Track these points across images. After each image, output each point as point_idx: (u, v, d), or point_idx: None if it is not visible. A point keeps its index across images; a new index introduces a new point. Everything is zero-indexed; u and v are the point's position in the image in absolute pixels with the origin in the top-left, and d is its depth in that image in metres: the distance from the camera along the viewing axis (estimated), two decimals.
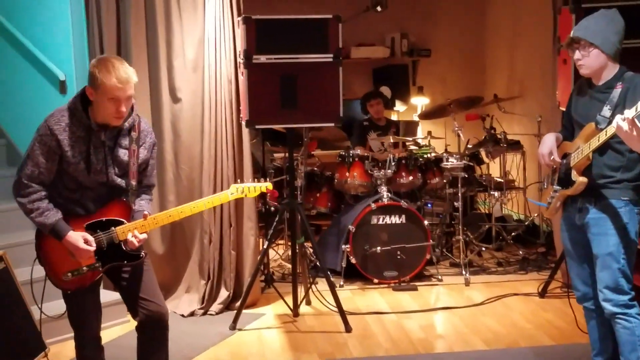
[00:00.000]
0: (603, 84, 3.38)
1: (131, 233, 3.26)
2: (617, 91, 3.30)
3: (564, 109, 5.05)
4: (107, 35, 4.95)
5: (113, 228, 3.28)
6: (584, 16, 3.52)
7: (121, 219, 3.31)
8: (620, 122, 2.97)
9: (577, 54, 3.38)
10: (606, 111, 3.29)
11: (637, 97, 3.15)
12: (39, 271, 3.34)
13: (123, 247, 3.31)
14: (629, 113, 2.94)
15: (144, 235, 3.31)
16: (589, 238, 3.43)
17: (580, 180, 3.36)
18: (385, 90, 8.03)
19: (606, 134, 3.18)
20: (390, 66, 8.52)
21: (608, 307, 3.37)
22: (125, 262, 3.35)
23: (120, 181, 3.31)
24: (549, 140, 3.53)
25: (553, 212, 3.63)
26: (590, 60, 3.35)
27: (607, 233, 3.33)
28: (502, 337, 4.60)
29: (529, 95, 7.45)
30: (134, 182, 3.34)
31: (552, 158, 3.48)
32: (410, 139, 6.55)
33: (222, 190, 5.08)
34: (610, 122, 3.17)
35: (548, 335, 4.59)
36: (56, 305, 3.50)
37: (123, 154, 3.29)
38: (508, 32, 8.11)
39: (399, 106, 8.45)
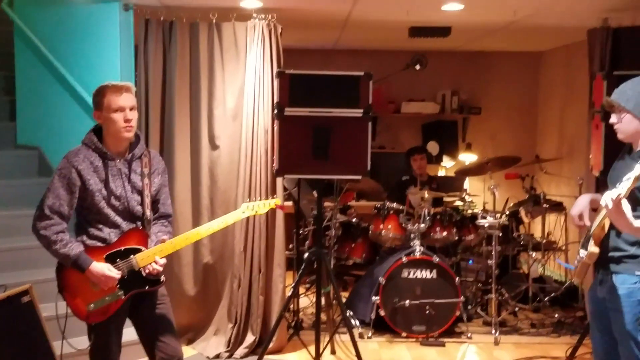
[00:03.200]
0: (638, 151, 3.26)
1: (151, 258, 3.41)
2: None
3: (595, 173, 5.07)
4: (152, 83, 5.22)
5: (132, 256, 3.43)
6: (615, 83, 3.43)
7: (139, 247, 3.46)
8: (608, 199, 2.90)
9: (613, 118, 3.30)
10: (622, 188, 3.07)
11: None
12: (63, 307, 3.46)
13: (143, 273, 3.45)
14: (614, 193, 2.87)
15: (164, 260, 3.46)
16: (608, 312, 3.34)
17: (591, 250, 3.26)
18: (432, 146, 8.11)
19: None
20: (439, 122, 8.60)
21: None
22: (147, 287, 3.49)
23: (138, 208, 3.49)
24: (582, 202, 3.40)
25: (578, 275, 3.52)
26: (624, 125, 3.26)
27: (622, 310, 3.22)
28: None
29: (577, 157, 7.40)
30: (149, 212, 3.52)
31: (581, 220, 3.37)
32: (445, 194, 6.58)
33: (253, 236, 5.25)
34: None
35: None
36: (78, 341, 3.64)
37: (138, 179, 3.49)
38: (560, 94, 8.11)
39: (447, 162, 8.49)
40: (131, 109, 3.41)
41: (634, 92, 3.23)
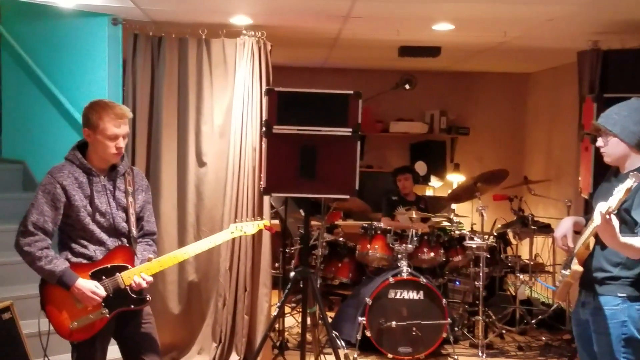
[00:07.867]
0: (624, 174, 3.26)
1: (137, 275, 3.36)
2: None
3: (584, 196, 5.06)
4: (140, 99, 5.18)
5: (118, 274, 3.37)
6: (605, 105, 3.47)
7: (126, 265, 3.40)
8: (597, 214, 2.92)
9: (600, 142, 3.34)
10: (611, 202, 3.13)
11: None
12: (46, 324, 3.39)
13: (129, 291, 3.39)
14: (603, 207, 2.89)
15: (150, 278, 3.41)
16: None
17: (574, 268, 3.28)
18: (420, 166, 8.10)
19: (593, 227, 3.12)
20: (428, 142, 8.61)
21: None
22: (132, 306, 3.43)
23: (123, 225, 3.43)
24: (566, 224, 3.44)
25: (560, 296, 3.56)
26: (610, 149, 3.29)
27: (605, 332, 3.23)
28: None
29: (565, 180, 7.41)
30: (134, 230, 3.46)
31: (564, 242, 3.40)
32: (433, 215, 6.55)
33: (239, 255, 5.19)
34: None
35: None
36: None
37: (123, 196, 3.44)
38: (547, 116, 8.14)
39: (435, 182, 8.48)
40: (124, 137, 3.39)
41: (620, 116, 3.27)
